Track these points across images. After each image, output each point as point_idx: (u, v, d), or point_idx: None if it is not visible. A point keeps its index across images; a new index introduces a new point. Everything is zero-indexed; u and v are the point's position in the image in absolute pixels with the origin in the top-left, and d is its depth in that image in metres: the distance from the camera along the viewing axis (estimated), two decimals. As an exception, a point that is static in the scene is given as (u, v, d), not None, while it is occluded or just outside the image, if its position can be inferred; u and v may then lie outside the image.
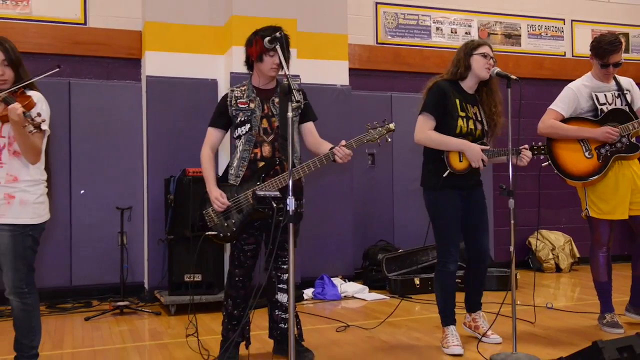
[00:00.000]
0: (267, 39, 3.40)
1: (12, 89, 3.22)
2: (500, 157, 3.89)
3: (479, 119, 3.97)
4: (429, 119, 3.87)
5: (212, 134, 3.75)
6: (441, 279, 3.97)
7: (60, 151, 5.77)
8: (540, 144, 3.96)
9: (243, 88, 3.73)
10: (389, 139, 3.61)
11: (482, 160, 3.78)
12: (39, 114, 3.08)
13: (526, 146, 3.89)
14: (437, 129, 3.87)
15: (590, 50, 4.32)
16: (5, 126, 3.23)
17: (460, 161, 3.84)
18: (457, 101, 3.88)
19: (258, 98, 3.68)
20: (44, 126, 3.13)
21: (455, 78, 3.96)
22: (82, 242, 5.91)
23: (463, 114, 3.88)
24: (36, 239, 3.35)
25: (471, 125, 3.89)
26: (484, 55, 3.86)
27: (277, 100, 3.68)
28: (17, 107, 3.03)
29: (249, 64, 3.74)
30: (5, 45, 3.25)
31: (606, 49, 4.19)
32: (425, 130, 3.88)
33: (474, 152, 3.78)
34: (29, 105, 3.13)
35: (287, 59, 3.53)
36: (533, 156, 3.90)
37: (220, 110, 3.74)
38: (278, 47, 3.39)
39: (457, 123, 3.84)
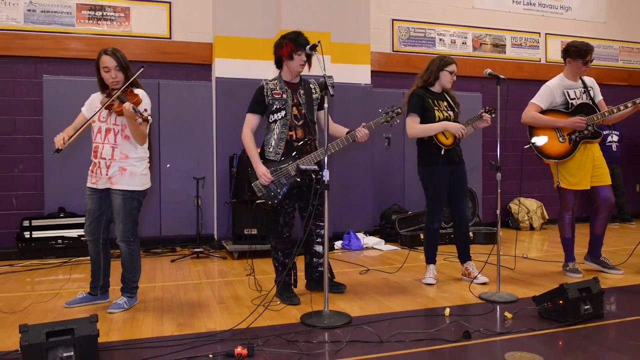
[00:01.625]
0: (308, 46, 3.47)
1: (123, 87, 3.29)
2: (472, 125, 4.08)
3: (450, 108, 4.06)
4: (414, 117, 3.99)
5: (252, 119, 3.61)
6: (428, 234, 4.12)
7: (151, 135, 5.84)
8: (488, 107, 4.10)
9: (274, 82, 3.62)
10: (398, 121, 3.67)
11: (463, 130, 3.92)
12: (145, 110, 3.15)
13: (482, 110, 4.06)
14: (422, 123, 3.98)
15: (569, 54, 4.24)
16: (120, 117, 3.31)
17: (447, 138, 3.95)
18: (430, 100, 4.00)
19: (289, 90, 3.59)
20: (150, 118, 3.21)
21: (425, 85, 4.08)
22: (169, 203, 6.02)
23: (437, 108, 3.99)
24: (140, 202, 3.45)
25: (445, 114, 4.00)
26: (451, 72, 4.04)
27: (302, 92, 3.62)
28: (129, 105, 3.10)
29: (279, 62, 3.65)
30: (117, 54, 3.33)
31: (586, 49, 4.19)
32: (414, 126, 3.98)
33: (454, 126, 3.93)
34: (137, 102, 3.21)
35: (309, 58, 3.54)
36: (490, 115, 4.03)
37: (258, 99, 3.58)
38: (303, 50, 3.49)
39: (435, 114, 3.96)
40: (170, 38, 6.19)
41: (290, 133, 3.54)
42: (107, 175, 3.33)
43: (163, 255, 5.57)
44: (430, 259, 4.14)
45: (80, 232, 5.25)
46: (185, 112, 6.09)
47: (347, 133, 3.58)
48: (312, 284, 3.82)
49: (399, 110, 3.63)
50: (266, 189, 3.51)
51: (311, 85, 3.70)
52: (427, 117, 3.96)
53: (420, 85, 4.09)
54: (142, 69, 3.35)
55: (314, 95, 3.67)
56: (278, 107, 3.55)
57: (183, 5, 6.25)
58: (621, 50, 8.59)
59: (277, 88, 3.60)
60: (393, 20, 7.21)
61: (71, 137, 3.28)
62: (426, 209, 4.08)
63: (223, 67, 5.95)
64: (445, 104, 4.06)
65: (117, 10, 6.03)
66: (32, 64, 5.79)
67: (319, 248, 3.74)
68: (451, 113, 4.03)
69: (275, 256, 3.65)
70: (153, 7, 6.15)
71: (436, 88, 4.09)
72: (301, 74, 3.67)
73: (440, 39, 7.46)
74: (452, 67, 4.03)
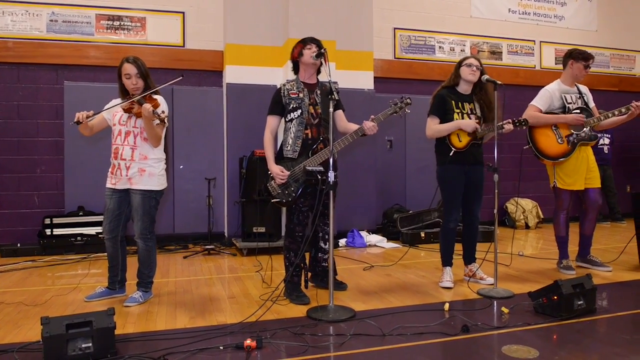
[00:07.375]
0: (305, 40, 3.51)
1: (144, 94, 3.31)
2: (491, 132, 3.75)
3: (474, 112, 3.84)
4: (434, 119, 3.84)
5: (271, 120, 3.54)
6: (443, 233, 3.91)
7: (167, 138, 5.85)
8: (520, 118, 3.80)
9: (292, 83, 3.56)
10: (408, 111, 3.48)
11: (477, 128, 3.70)
12: (163, 112, 3.18)
13: (509, 120, 3.74)
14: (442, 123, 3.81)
15: (572, 57, 4.25)
16: (139, 120, 3.33)
17: (460, 141, 3.77)
18: (453, 102, 3.81)
19: (305, 89, 3.53)
20: (166, 120, 3.23)
21: (451, 84, 3.90)
22: (182, 202, 6.03)
23: (458, 111, 3.80)
24: (158, 201, 3.45)
25: (466, 118, 3.79)
26: (469, 65, 3.81)
27: (319, 92, 3.56)
28: (148, 106, 3.12)
29: (295, 66, 3.61)
30: (138, 63, 3.36)
31: (587, 55, 4.23)
32: (430, 127, 3.85)
33: (468, 123, 3.72)
34: (155, 105, 3.21)
35: (323, 55, 3.41)
36: (516, 128, 3.75)
37: (276, 100, 3.53)
38: (313, 44, 3.46)
39: (453, 118, 3.78)
40: (183, 46, 6.20)
41: (306, 132, 3.46)
42: (127, 176, 3.33)
43: (176, 251, 5.57)
44: (447, 261, 3.91)
45: (98, 229, 5.27)
46: (197, 116, 6.10)
47: (358, 128, 3.51)
48: (316, 278, 3.80)
49: (409, 100, 3.47)
50: (281, 187, 3.44)
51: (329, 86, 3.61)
52: (446, 120, 3.79)
53: (445, 85, 3.92)
54: (181, 77, 3.43)
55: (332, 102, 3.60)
56: (294, 106, 3.48)
57: (196, 15, 6.26)
58: (612, 57, 8.55)
59: (294, 88, 3.53)
60: (395, 28, 7.20)
61: (90, 117, 3.27)
62: (442, 209, 3.93)
63: (233, 74, 5.95)
64: (471, 106, 3.85)
65: (133, 20, 6.05)
66: (53, 71, 5.81)
67: (324, 245, 3.72)
68: (472, 117, 3.80)
69: (287, 256, 3.54)
70: (167, 17, 6.16)
71: (462, 88, 3.88)
72: (317, 76, 3.63)
73: (440, 47, 7.43)
74: (469, 61, 3.83)
